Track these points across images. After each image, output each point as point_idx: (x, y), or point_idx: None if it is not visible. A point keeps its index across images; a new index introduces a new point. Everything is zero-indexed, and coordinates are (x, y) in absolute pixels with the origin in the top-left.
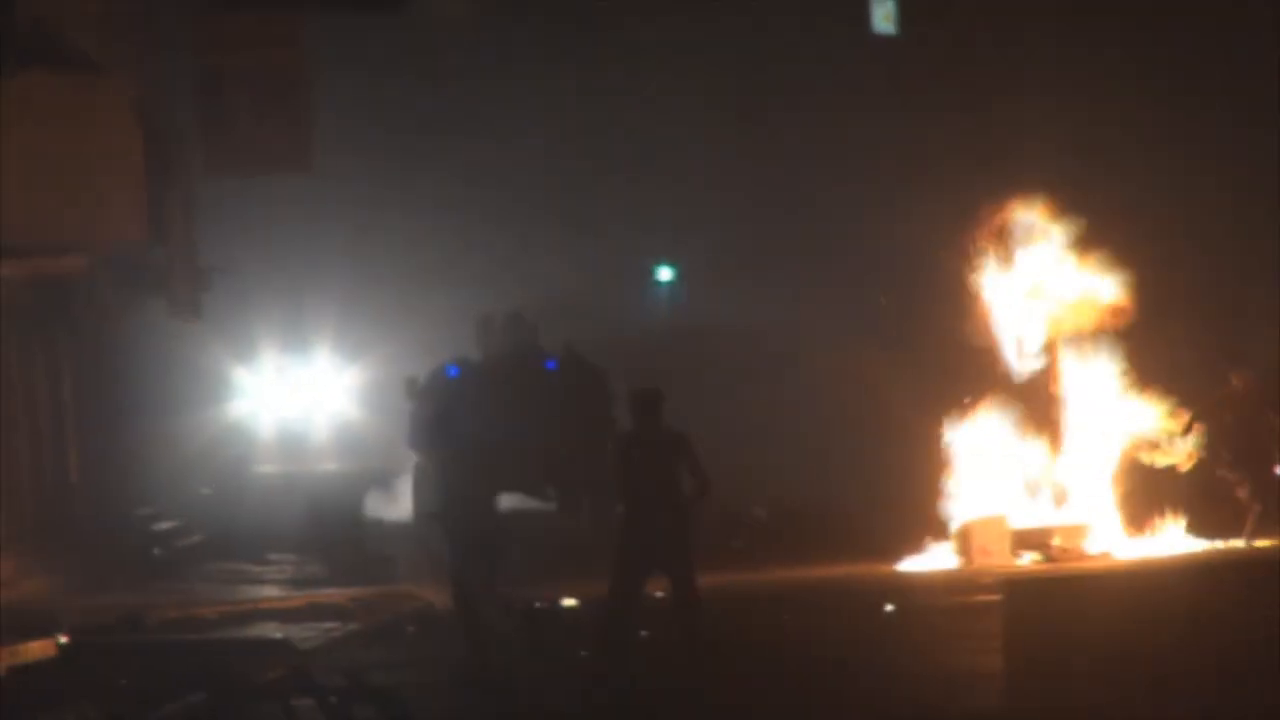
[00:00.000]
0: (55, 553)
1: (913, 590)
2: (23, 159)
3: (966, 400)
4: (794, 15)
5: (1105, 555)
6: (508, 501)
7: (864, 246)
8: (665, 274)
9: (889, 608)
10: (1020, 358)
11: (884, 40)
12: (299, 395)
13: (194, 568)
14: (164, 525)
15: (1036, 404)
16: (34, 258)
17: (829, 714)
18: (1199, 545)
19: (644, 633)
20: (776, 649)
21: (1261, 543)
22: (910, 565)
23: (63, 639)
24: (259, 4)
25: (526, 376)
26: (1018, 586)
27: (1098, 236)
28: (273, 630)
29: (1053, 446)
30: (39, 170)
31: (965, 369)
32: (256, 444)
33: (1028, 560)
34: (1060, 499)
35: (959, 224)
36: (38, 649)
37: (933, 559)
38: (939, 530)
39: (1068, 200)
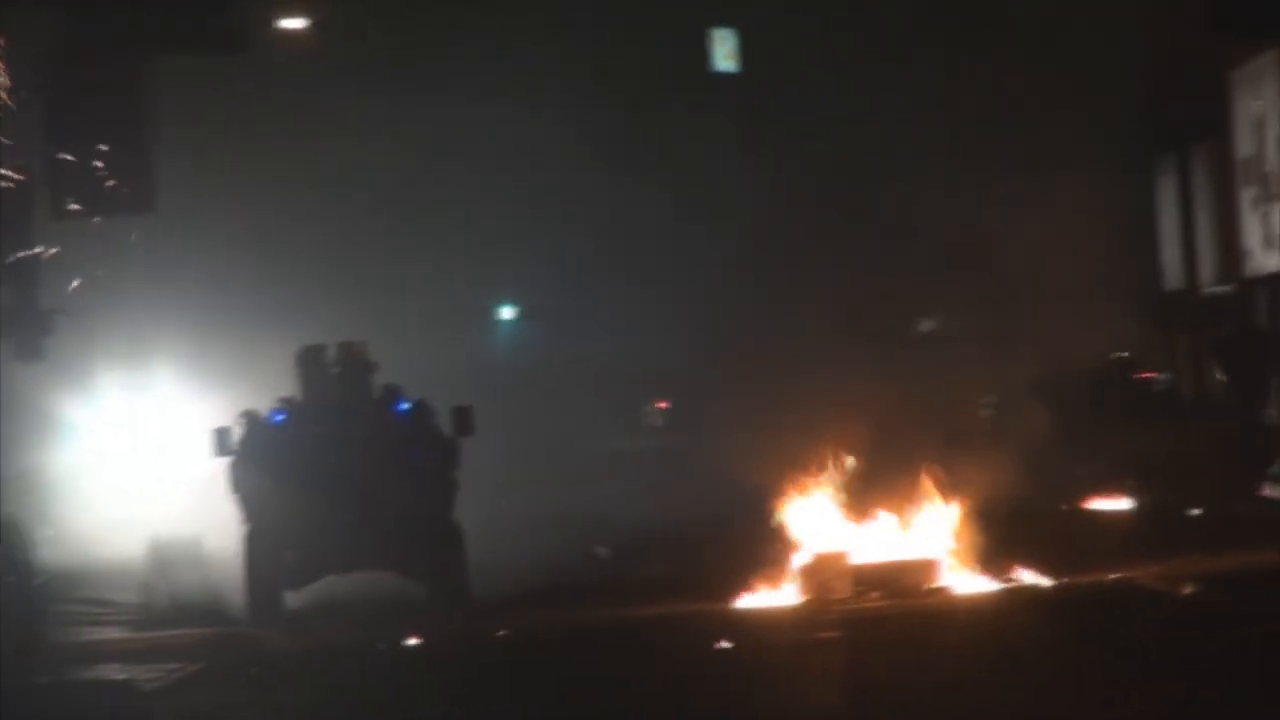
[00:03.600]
0: None
1: (751, 627)
2: None
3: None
4: (637, 52)
5: (944, 591)
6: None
7: (704, 278)
8: (507, 313)
9: (725, 644)
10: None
11: (725, 77)
12: (142, 436)
13: (34, 610)
14: None
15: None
16: None
17: None
18: (1040, 579)
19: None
20: (600, 689)
21: None
22: (750, 602)
23: None
24: (101, 47)
25: (370, 424)
26: (856, 623)
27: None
28: (115, 672)
29: (910, 483)
30: None
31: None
32: (100, 484)
33: (868, 597)
34: (904, 534)
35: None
36: None
37: (774, 596)
38: (782, 566)
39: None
